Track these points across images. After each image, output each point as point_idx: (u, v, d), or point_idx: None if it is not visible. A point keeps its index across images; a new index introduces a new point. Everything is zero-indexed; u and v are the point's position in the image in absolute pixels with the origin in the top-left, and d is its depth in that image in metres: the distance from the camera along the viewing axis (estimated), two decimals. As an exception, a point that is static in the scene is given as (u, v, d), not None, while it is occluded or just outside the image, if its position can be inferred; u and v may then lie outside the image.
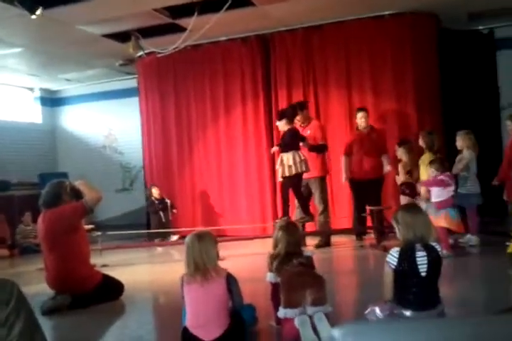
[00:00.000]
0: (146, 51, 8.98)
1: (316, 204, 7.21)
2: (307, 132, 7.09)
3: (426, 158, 6.43)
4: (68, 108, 12.57)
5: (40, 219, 4.64)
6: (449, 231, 5.96)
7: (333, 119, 8.41)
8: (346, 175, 7.50)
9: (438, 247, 3.03)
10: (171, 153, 9.50)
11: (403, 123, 8.08)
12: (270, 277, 3.47)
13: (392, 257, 2.98)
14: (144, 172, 10.15)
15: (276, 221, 6.85)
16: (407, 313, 2.90)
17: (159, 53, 8.82)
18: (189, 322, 3.08)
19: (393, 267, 2.96)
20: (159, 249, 8.34)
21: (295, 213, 7.01)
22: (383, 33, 8.10)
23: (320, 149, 7.23)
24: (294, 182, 6.60)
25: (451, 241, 6.12)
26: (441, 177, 5.87)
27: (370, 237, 7.33)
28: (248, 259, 6.71)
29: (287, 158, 6.46)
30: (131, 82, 10.78)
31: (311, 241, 7.11)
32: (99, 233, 7.48)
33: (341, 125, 8.32)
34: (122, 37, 8.55)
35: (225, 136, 9.09)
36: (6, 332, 2.28)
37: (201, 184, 9.27)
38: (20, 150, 11.36)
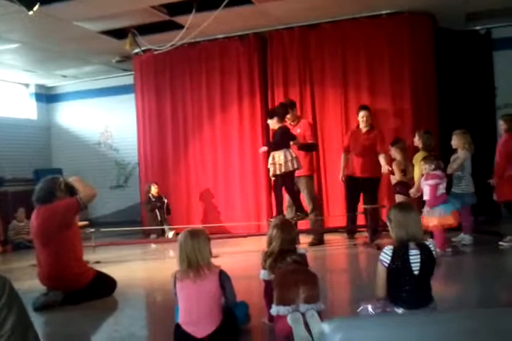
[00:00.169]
0: (143, 48, 8.97)
1: (305, 203, 7.22)
2: (297, 131, 7.12)
3: (419, 156, 6.43)
4: (64, 104, 12.53)
5: (33, 216, 4.63)
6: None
7: (329, 118, 8.41)
8: (343, 172, 7.51)
9: (432, 246, 3.04)
10: (167, 150, 9.49)
11: (399, 122, 8.09)
12: (264, 275, 3.47)
13: (386, 255, 2.99)
14: (138, 169, 10.12)
15: (271, 219, 6.86)
16: (400, 311, 2.91)
17: (156, 50, 8.80)
18: (181, 318, 3.08)
19: (386, 265, 2.97)
20: (153, 246, 8.33)
21: (286, 212, 7.02)
22: (380, 32, 8.09)
23: (309, 148, 7.27)
24: (286, 180, 6.61)
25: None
26: (435, 178, 5.90)
27: (364, 236, 7.34)
28: (242, 257, 6.72)
29: (278, 156, 6.47)
30: (128, 79, 10.75)
31: (304, 240, 7.11)
32: (92, 229, 7.48)
33: (337, 124, 8.32)
34: (119, 34, 8.52)
35: (220, 133, 9.08)
36: (-2, 327, 2.27)
37: (196, 181, 9.26)
38: (14, 146, 11.31)
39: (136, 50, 9.15)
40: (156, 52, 8.91)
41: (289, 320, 2.99)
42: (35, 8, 6.56)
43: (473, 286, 4.69)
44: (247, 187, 8.83)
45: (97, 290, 4.56)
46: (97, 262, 6.23)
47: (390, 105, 8.11)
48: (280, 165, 6.43)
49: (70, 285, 4.44)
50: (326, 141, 8.41)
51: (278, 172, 6.48)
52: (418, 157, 6.45)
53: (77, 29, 8.10)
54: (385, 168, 7.14)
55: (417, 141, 6.69)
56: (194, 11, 7.42)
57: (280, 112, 6.82)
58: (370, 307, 3.03)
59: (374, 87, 8.17)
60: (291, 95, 8.52)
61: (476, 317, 1.79)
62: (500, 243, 6.14)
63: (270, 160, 6.57)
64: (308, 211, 7.01)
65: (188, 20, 7.56)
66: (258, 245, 6.31)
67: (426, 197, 5.99)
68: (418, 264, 2.92)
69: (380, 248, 4.13)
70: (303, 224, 7.49)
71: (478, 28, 8.91)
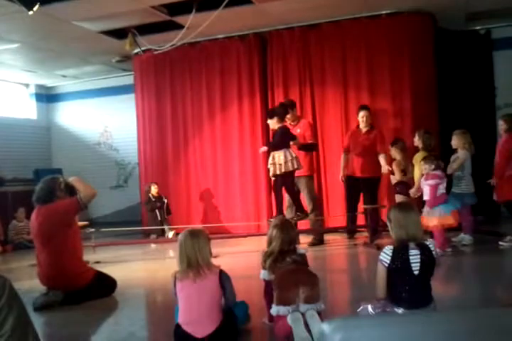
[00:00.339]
0: (143, 48, 8.97)
1: (305, 203, 7.22)
2: (297, 131, 7.12)
3: (419, 156, 6.43)
4: (64, 104, 12.54)
5: (33, 215, 4.63)
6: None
7: (329, 118, 8.41)
8: (344, 172, 7.52)
9: (432, 246, 3.04)
10: (167, 150, 9.49)
11: (399, 122, 8.09)
12: (264, 274, 3.47)
13: (386, 255, 2.99)
14: (138, 169, 10.12)
15: (271, 219, 6.86)
16: (400, 311, 2.91)
17: (156, 50, 8.80)
18: (181, 318, 3.08)
19: (386, 265, 2.97)
20: (153, 246, 8.33)
21: (286, 212, 7.01)
22: (380, 32, 8.10)
23: (309, 148, 7.27)
24: (286, 180, 6.61)
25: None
26: (435, 178, 5.90)
27: (364, 236, 7.35)
28: (242, 257, 6.72)
29: (278, 156, 6.47)
30: (128, 79, 10.75)
31: (304, 240, 7.11)
32: (92, 229, 7.48)
33: (337, 123, 8.32)
34: (119, 34, 8.52)
35: (220, 133, 9.07)
36: (-3, 327, 2.27)
37: (196, 181, 9.26)
38: (15, 146, 11.32)
39: (136, 50, 9.15)
40: (156, 52, 8.91)
41: (289, 320, 2.99)
42: (35, 8, 6.56)
43: (474, 286, 4.69)
44: (247, 187, 8.82)
45: (97, 290, 4.56)
46: (97, 262, 6.23)
47: (390, 105, 8.11)
48: (280, 165, 6.42)
49: (70, 285, 4.44)
50: (326, 140, 8.41)
51: (278, 172, 6.47)
52: (418, 157, 6.45)
53: (77, 29, 8.10)
54: (385, 168, 7.14)
55: (417, 141, 6.69)
56: (194, 10, 7.42)
57: (280, 112, 6.82)
58: (370, 307, 3.03)
59: (374, 86, 8.17)
60: (291, 95, 8.52)
61: (477, 316, 1.78)
62: (500, 243, 6.14)
63: (270, 160, 6.56)
64: (308, 211, 7.01)
65: (188, 20, 7.56)
66: (258, 245, 6.31)
67: (426, 197, 6.00)
68: (418, 264, 2.92)
69: (380, 248, 4.13)
70: (303, 224, 7.48)
71: (478, 28, 8.92)
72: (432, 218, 5.81)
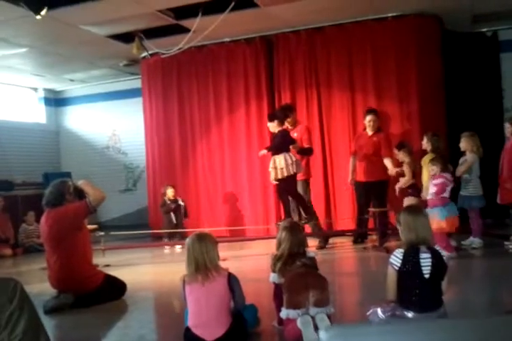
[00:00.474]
0: (150, 52, 9.00)
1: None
2: (294, 134, 7.15)
3: (428, 158, 6.41)
4: (72, 108, 12.59)
5: (43, 219, 4.66)
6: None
7: (335, 121, 8.41)
8: (352, 176, 7.51)
9: (442, 252, 3.03)
10: (174, 153, 9.51)
11: (407, 125, 8.07)
12: (273, 278, 3.47)
13: (396, 258, 2.98)
14: (146, 172, 10.15)
15: (279, 223, 6.86)
16: (409, 315, 2.90)
17: (163, 54, 8.83)
18: (191, 321, 3.09)
19: (396, 268, 2.97)
20: (162, 250, 8.33)
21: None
22: (386, 35, 8.09)
23: (307, 152, 7.30)
24: (288, 184, 6.63)
25: (453, 243, 6.10)
26: (442, 178, 5.87)
27: (373, 239, 7.33)
28: (251, 260, 6.72)
29: (279, 160, 6.50)
30: (135, 83, 10.79)
31: (312, 243, 7.10)
32: (102, 233, 7.50)
33: (344, 127, 8.32)
34: (126, 38, 8.56)
35: (228, 136, 9.09)
36: (10, 330, 2.29)
37: (204, 184, 9.27)
38: (24, 150, 11.39)
39: (144, 54, 9.18)
40: (163, 56, 8.95)
41: (298, 323, 2.99)
42: (43, 12, 6.63)
43: (483, 290, 4.66)
44: (255, 190, 8.83)
45: (107, 294, 4.58)
46: (107, 265, 6.25)
47: (397, 108, 8.09)
48: (282, 169, 6.47)
49: (80, 288, 4.46)
50: (333, 144, 8.40)
51: (279, 176, 6.51)
52: (426, 159, 6.43)
53: (85, 33, 8.15)
54: (393, 171, 7.11)
55: (425, 144, 6.66)
56: (200, 14, 7.44)
57: (281, 116, 6.87)
58: (379, 311, 3.03)
59: (381, 89, 8.16)
60: (297, 98, 8.55)
61: (482, 325, 1.77)
62: (506, 243, 6.13)
63: (271, 164, 6.61)
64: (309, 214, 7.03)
65: (195, 23, 7.59)
66: (267, 248, 6.32)
67: (429, 196, 5.96)
68: (429, 268, 2.91)
69: (389, 251, 4.12)
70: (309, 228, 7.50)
71: (484, 30, 8.89)
72: (431, 220, 5.76)
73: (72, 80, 11.64)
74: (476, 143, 6.44)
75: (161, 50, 8.78)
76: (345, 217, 8.12)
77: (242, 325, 3.19)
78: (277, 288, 3.45)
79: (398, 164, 7.12)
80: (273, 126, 6.84)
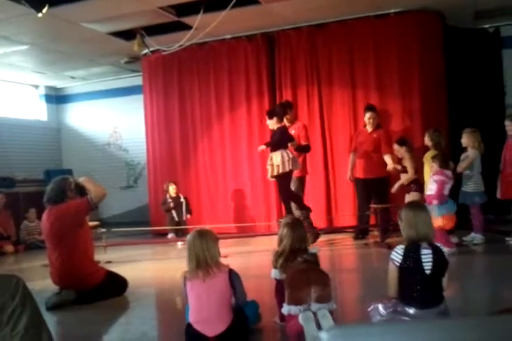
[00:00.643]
0: (151, 49, 9.00)
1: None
2: (291, 131, 7.18)
3: (430, 154, 6.42)
4: (73, 105, 12.61)
5: (44, 216, 4.66)
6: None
7: (336, 118, 8.40)
8: (351, 172, 7.52)
9: (443, 248, 3.03)
10: (175, 150, 9.51)
11: (409, 122, 8.06)
12: (275, 274, 3.47)
13: (397, 254, 2.98)
14: (147, 169, 10.16)
15: (280, 220, 6.87)
16: (411, 311, 2.90)
17: (164, 51, 8.83)
18: (192, 317, 3.10)
19: (397, 264, 2.96)
20: (163, 246, 8.33)
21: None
22: (388, 31, 8.08)
23: (304, 149, 7.32)
24: (283, 181, 6.67)
25: (454, 239, 6.11)
26: (442, 175, 5.87)
27: (374, 235, 7.34)
28: (252, 256, 6.73)
29: (276, 157, 6.55)
30: (136, 80, 10.79)
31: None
32: (103, 230, 7.51)
33: (345, 124, 8.31)
34: (127, 35, 8.56)
35: (229, 133, 9.09)
36: (12, 327, 2.29)
37: (205, 182, 9.28)
38: (25, 147, 11.42)
39: (145, 51, 9.18)
40: (164, 53, 8.94)
41: (300, 319, 2.99)
42: (44, 10, 6.62)
43: (485, 286, 4.66)
44: (256, 187, 8.83)
45: (109, 290, 4.58)
46: (109, 262, 6.26)
47: (399, 105, 8.08)
48: (278, 166, 6.50)
49: (82, 285, 4.46)
50: (334, 141, 8.40)
51: (275, 173, 6.55)
52: (428, 155, 6.44)
53: (86, 31, 8.15)
54: (391, 167, 7.12)
55: (427, 140, 6.67)
56: (202, 11, 7.44)
57: (280, 112, 6.90)
58: (380, 307, 3.03)
59: (382, 86, 8.15)
60: (299, 95, 8.55)
61: (483, 324, 1.76)
62: (507, 239, 6.14)
63: (268, 161, 6.66)
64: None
65: (196, 20, 7.59)
66: (268, 245, 6.32)
67: (429, 192, 5.97)
68: (430, 264, 2.91)
69: (390, 247, 4.13)
70: (316, 223, 7.53)
71: (486, 26, 8.86)
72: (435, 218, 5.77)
73: (73, 77, 11.64)
74: (477, 139, 6.44)
75: (162, 47, 8.78)
76: (346, 214, 8.13)
77: (244, 321, 3.19)
78: (279, 284, 3.45)
79: (398, 160, 7.12)
80: (272, 123, 6.87)
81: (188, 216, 8.72)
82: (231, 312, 3.13)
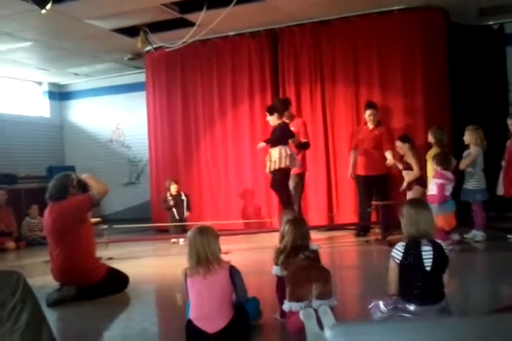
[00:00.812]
0: (154, 46, 8.99)
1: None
2: (291, 128, 7.16)
3: (433, 152, 6.41)
4: (76, 102, 12.61)
5: (46, 212, 4.66)
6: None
7: (339, 115, 8.39)
8: (352, 169, 7.52)
9: (443, 245, 3.03)
10: (178, 147, 9.51)
11: (411, 118, 8.04)
12: (276, 270, 3.48)
13: (397, 251, 2.98)
14: (149, 166, 10.16)
15: (282, 216, 6.88)
16: (411, 307, 2.90)
17: (167, 48, 8.82)
18: (192, 314, 3.10)
19: (398, 261, 2.96)
20: (165, 243, 8.33)
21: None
22: (392, 28, 8.04)
23: (304, 146, 7.33)
24: (278, 176, 6.69)
25: (456, 236, 6.10)
26: (441, 178, 5.86)
27: (375, 232, 7.34)
28: (253, 253, 6.73)
29: (274, 152, 6.57)
30: (140, 77, 10.78)
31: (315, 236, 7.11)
32: (105, 226, 7.52)
33: (348, 121, 8.29)
34: (131, 31, 8.56)
35: (232, 130, 9.08)
36: (12, 322, 2.30)
37: (207, 179, 9.28)
38: (28, 143, 11.43)
39: (148, 48, 9.18)
40: (167, 50, 8.94)
41: (301, 315, 2.99)
42: (48, 6, 6.61)
43: (485, 283, 4.65)
44: (258, 184, 8.83)
45: (110, 286, 4.59)
46: (110, 258, 6.26)
47: (402, 102, 8.06)
48: (275, 161, 6.54)
49: (83, 281, 4.47)
50: (337, 138, 8.39)
51: (272, 169, 6.59)
52: (431, 153, 6.43)
53: (89, 27, 8.15)
54: (391, 162, 7.10)
55: (430, 138, 6.66)
56: (205, 8, 7.43)
57: (280, 108, 6.91)
58: (381, 304, 3.03)
59: (386, 84, 8.13)
60: (302, 92, 8.54)
61: (484, 322, 1.76)
62: (509, 236, 6.14)
63: (267, 157, 6.69)
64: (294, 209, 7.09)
65: (199, 17, 7.57)
66: (269, 241, 6.32)
67: (429, 192, 5.97)
68: (430, 260, 2.91)
69: (391, 244, 4.12)
70: (317, 220, 7.53)
71: (491, 23, 8.82)
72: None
73: (76, 74, 11.64)
74: (480, 136, 6.43)
75: (165, 44, 8.77)
76: (347, 211, 8.13)
77: (244, 318, 3.19)
78: (280, 280, 3.45)
79: (399, 157, 7.11)
80: (273, 120, 6.87)
81: (187, 213, 8.60)
82: (232, 308, 3.13)
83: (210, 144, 9.27)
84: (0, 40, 8.50)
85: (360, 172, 7.47)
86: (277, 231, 3.80)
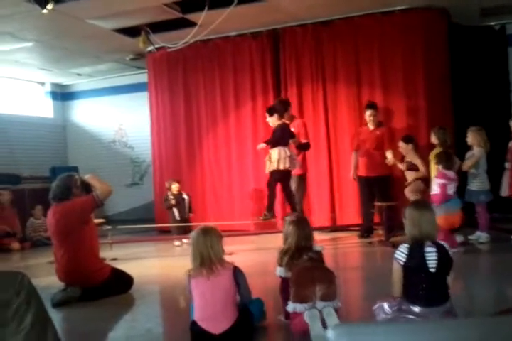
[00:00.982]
0: (156, 46, 9.00)
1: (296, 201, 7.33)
2: (291, 129, 7.16)
3: (436, 152, 6.40)
4: (79, 102, 12.62)
5: (50, 213, 4.67)
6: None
7: (341, 116, 8.38)
8: (354, 171, 7.51)
9: (447, 246, 3.02)
10: (180, 148, 9.51)
11: (413, 119, 8.03)
12: (280, 271, 3.48)
13: (401, 253, 2.98)
14: (152, 166, 10.17)
15: (286, 217, 6.88)
16: (416, 309, 2.90)
17: (169, 48, 8.83)
18: (197, 315, 3.10)
19: (402, 263, 2.96)
20: (168, 244, 8.33)
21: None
22: (393, 28, 8.04)
23: (305, 147, 7.33)
24: (277, 176, 6.70)
25: (459, 238, 6.10)
26: (443, 178, 5.86)
27: (378, 233, 7.33)
28: (257, 254, 6.73)
29: (274, 153, 6.59)
30: (142, 77, 10.79)
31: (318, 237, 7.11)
32: (109, 227, 7.53)
33: (350, 122, 8.28)
34: (133, 32, 8.56)
35: (234, 131, 9.08)
36: (17, 323, 2.30)
37: (210, 179, 9.28)
38: (31, 144, 11.44)
39: (150, 48, 9.18)
40: (169, 50, 8.94)
41: (305, 317, 3.00)
42: (49, 6, 6.63)
43: (489, 284, 4.64)
44: (261, 185, 8.81)
45: (114, 287, 4.60)
46: (114, 259, 6.27)
47: (404, 103, 8.06)
48: (274, 163, 6.56)
49: (87, 282, 4.48)
50: (339, 138, 8.38)
51: (270, 169, 6.62)
52: (434, 154, 6.42)
53: (91, 27, 8.15)
54: (391, 161, 7.09)
55: (433, 139, 6.66)
56: (206, 8, 7.43)
57: (280, 109, 6.91)
58: (385, 305, 3.03)
59: (388, 84, 8.13)
60: (304, 93, 8.55)
61: (488, 324, 1.76)
62: None
63: (267, 157, 6.71)
64: (297, 210, 7.09)
65: (201, 17, 7.57)
66: (272, 242, 6.33)
67: (432, 192, 5.96)
68: (435, 262, 2.90)
69: (395, 245, 4.11)
70: (320, 221, 7.50)
71: (492, 23, 8.81)
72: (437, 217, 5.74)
73: (79, 74, 11.66)
74: (482, 137, 6.42)
75: (167, 44, 8.78)
76: (350, 212, 8.12)
77: (248, 319, 3.19)
78: (284, 281, 3.45)
79: (401, 158, 7.10)
80: (273, 121, 6.88)
81: (191, 214, 8.41)
82: (236, 309, 3.13)
83: (213, 145, 9.27)
84: (2, 41, 8.51)
85: (362, 173, 7.46)
86: (281, 232, 3.79)
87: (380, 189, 7.30)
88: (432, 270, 2.90)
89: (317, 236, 6.89)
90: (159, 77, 9.73)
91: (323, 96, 8.48)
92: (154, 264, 6.67)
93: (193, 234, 3.25)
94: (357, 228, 7.76)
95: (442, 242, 3.06)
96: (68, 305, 4.36)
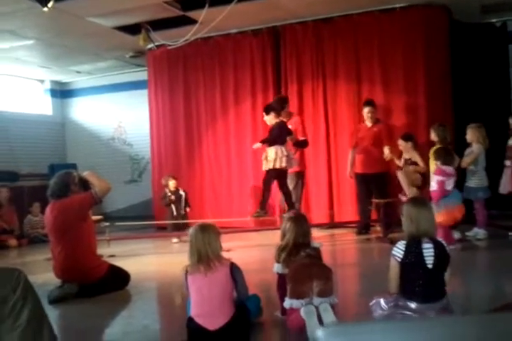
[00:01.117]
0: (156, 43, 8.99)
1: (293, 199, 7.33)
2: (289, 126, 7.17)
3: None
4: (78, 100, 12.62)
5: (48, 210, 4.67)
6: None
7: (341, 113, 8.37)
8: (350, 169, 7.51)
9: (444, 243, 3.02)
10: (180, 145, 9.51)
11: (413, 116, 8.02)
12: (277, 268, 3.48)
13: (398, 250, 2.98)
14: (151, 164, 10.17)
15: (284, 215, 6.88)
16: (412, 305, 2.90)
17: (170, 45, 8.82)
18: (194, 311, 3.10)
19: (399, 260, 2.96)
20: (166, 240, 8.33)
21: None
22: (394, 26, 8.03)
23: (302, 144, 7.33)
24: (273, 173, 6.71)
25: (457, 235, 6.10)
26: (441, 174, 5.85)
27: (375, 230, 7.34)
28: (254, 251, 6.74)
29: (270, 152, 6.59)
30: (141, 74, 10.79)
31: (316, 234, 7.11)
32: (107, 224, 7.52)
33: (350, 119, 8.27)
34: (133, 29, 8.55)
35: (234, 128, 9.08)
36: (13, 319, 2.30)
37: (209, 176, 9.28)
38: (30, 141, 11.44)
39: (150, 46, 9.17)
40: (169, 48, 8.93)
41: (302, 313, 3.00)
42: (50, 4, 6.62)
43: (487, 281, 4.64)
44: (260, 182, 8.79)
45: (111, 284, 4.59)
46: (112, 256, 6.27)
47: (404, 100, 8.05)
48: (270, 161, 6.56)
49: (85, 279, 4.48)
50: (339, 135, 8.37)
51: (266, 168, 6.63)
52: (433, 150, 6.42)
53: (91, 25, 8.14)
54: (388, 156, 7.09)
55: (433, 136, 6.65)
56: (207, 5, 7.42)
57: (277, 107, 6.92)
58: (382, 301, 3.03)
59: (388, 81, 8.12)
60: (304, 90, 8.54)
61: (485, 321, 1.75)
62: (510, 234, 6.16)
63: (263, 156, 6.72)
64: (295, 208, 7.09)
65: (201, 15, 7.57)
66: (270, 239, 6.32)
67: (431, 188, 5.96)
68: (432, 258, 2.90)
69: (393, 242, 4.12)
70: (318, 218, 7.48)
71: (493, 20, 8.77)
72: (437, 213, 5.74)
73: (78, 72, 11.65)
74: (482, 134, 6.42)
75: (167, 42, 8.77)
76: (348, 209, 8.12)
77: (245, 315, 3.19)
78: (281, 278, 3.45)
79: (398, 153, 7.10)
80: (270, 119, 6.88)
81: (188, 209, 8.48)
82: (233, 306, 3.13)
83: (212, 142, 9.27)
84: (2, 38, 8.50)
85: (359, 170, 7.46)
86: (279, 228, 3.79)
87: (378, 186, 7.31)
88: (430, 266, 2.90)
89: (315, 232, 6.93)
90: (159, 74, 9.72)
91: (323, 93, 8.47)
92: (152, 261, 6.67)
93: (191, 230, 3.25)
94: (355, 225, 7.76)
95: (440, 239, 3.06)
96: (65, 301, 4.36)
